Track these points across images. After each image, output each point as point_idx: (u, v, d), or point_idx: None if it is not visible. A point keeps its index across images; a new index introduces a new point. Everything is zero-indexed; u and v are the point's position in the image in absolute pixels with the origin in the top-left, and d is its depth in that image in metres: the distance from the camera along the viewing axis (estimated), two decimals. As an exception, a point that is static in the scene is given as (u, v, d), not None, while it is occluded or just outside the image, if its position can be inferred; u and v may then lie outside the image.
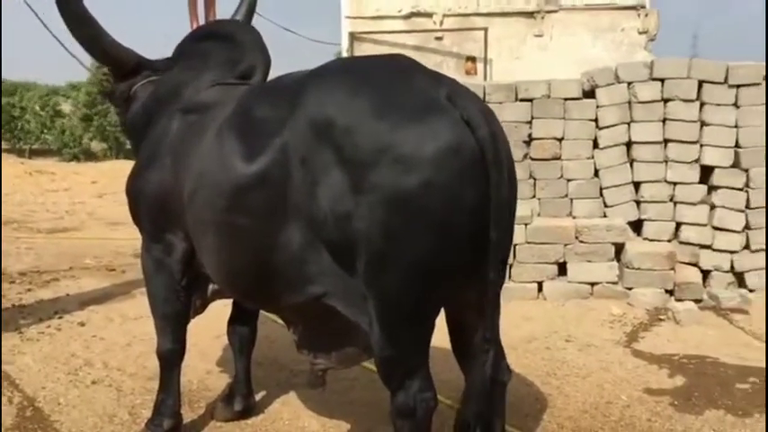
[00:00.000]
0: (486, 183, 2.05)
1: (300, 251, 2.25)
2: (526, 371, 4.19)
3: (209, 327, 4.43)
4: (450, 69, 10.44)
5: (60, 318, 5.08)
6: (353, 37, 11.37)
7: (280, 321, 4.69)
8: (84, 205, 11.79)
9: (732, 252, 5.68)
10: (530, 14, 10.90)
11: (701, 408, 3.73)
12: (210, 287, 3.03)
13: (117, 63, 3.21)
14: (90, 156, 22.60)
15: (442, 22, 11.03)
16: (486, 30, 10.82)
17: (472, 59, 10.87)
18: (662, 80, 5.68)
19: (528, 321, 5.13)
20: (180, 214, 2.70)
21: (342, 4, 11.51)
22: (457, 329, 2.46)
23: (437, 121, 2.04)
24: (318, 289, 2.31)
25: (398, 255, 2.05)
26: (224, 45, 3.05)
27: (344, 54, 11.52)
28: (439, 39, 11.09)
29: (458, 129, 2.04)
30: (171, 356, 3.10)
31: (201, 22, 7.81)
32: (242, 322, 3.46)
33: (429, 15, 11.07)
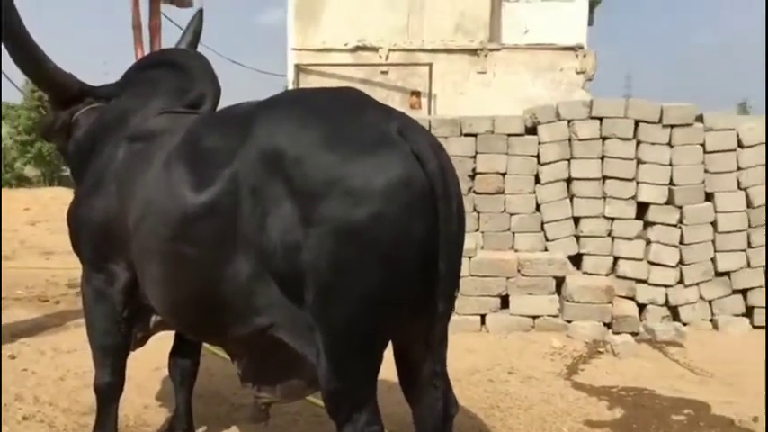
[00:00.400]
0: (435, 216, 2.07)
1: (248, 282, 2.23)
2: (470, 403, 4.20)
3: (147, 359, 4.28)
4: (396, 103, 10.56)
5: (-12, 350, 4.86)
6: (299, 69, 11.40)
7: (221, 354, 4.62)
8: (17, 233, 11.36)
9: (667, 286, 5.86)
10: (473, 52, 11.15)
11: (639, 439, 3.82)
12: (153, 319, 2.95)
13: (59, 89, 3.13)
14: (23, 181, 21.91)
15: (387, 57, 11.18)
16: (430, 65, 11.00)
17: (417, 94, 11.02)
18: (600, 119, 5.88)
19: (471, 353, 5.16)
20: (123, 243, 2.63)
21: (288, 35, 11.55)
22: (404, 362, 2.45)
23: (387, 154, 2.05)
24: (265, 320, 2.28)
25: (347, 287, 2.04)
26: (173, 73, 3.01)
27: (291, 86, 11.53)
28: (384, 73, 11.22)
29: (408, 162, 2.06)
30: (109, 390, 2.99)
31: (147, 50, 7.76)
32: (184, 354, 3.37)
33: (375, 50, 11.20)
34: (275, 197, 2.10)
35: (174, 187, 2.37)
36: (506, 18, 12.27)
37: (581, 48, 11.20)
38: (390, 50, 11.14)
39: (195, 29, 3.50)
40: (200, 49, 3.53)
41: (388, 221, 2.01)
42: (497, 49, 11.19)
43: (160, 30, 7.52)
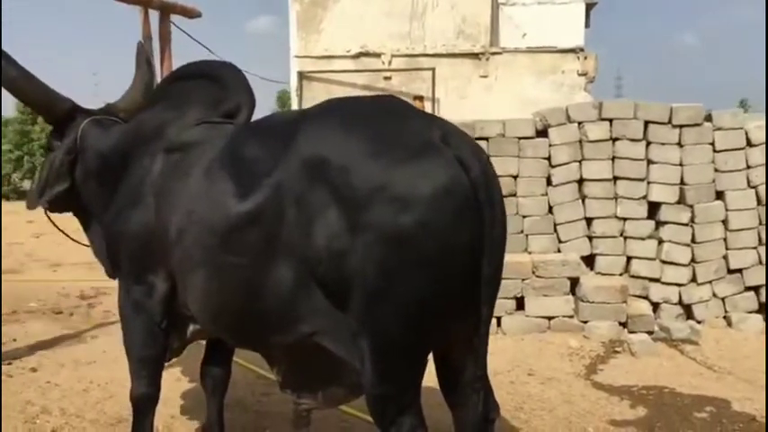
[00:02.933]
0: (480, 222, 2.10)
1: (292, 290, 2.25)
2: (494, 406, 4.22)
3: (170, 371, 4.33)
4: (399, 108, 10.57)
5: (10, 364, 4.86)
6: (302, 76, 11.45)
7: (242, 362, 4.64)
8: (22, 246, 11.35)
9: (680, 285, 5.89)
10: (475, 56, 11.21)
11: (664, 438, 3.84)
12: (191, 328, 2.96)
13: (48, 107, 3.18)
14: (22, 195, 21.92)
15: (390, 62, 11.24)
16: (433, 70, 11.06)
17: (420, 98, 11.06)
18: (610, 120, 5.92)
19: (490, 356, 5.04)
20: (163, 254, 2.65)
21: (291, 43, 11.60)
22: (446, 366, 2.47)
23: (432, 161, 2.09)
24: (308, 328, 2.31)
25: (394, 292, 2.07)
26: (208, 84, 3.01)
27: (293, 93, 11.59)
28: (387, 78, 11.27)
29: (452, 169, 2.09)
30: (146, 401, 3.00)
31: (156, 61, 7.78)
32: (216, 363, 3.39)
33: (377, 55, 11.26)
34: (320, 205, 2.13)
35: (218, 197, 2.39)
36: (504, 22, 12.33)
37: (581, 50, 11.27)
38: (393, 56, 11.20)
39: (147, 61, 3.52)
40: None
41: (435, 228, 2.04)
42: (499, 53, 11.26)
43: (170, 40, 7.54)
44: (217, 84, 2.99)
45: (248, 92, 3.01)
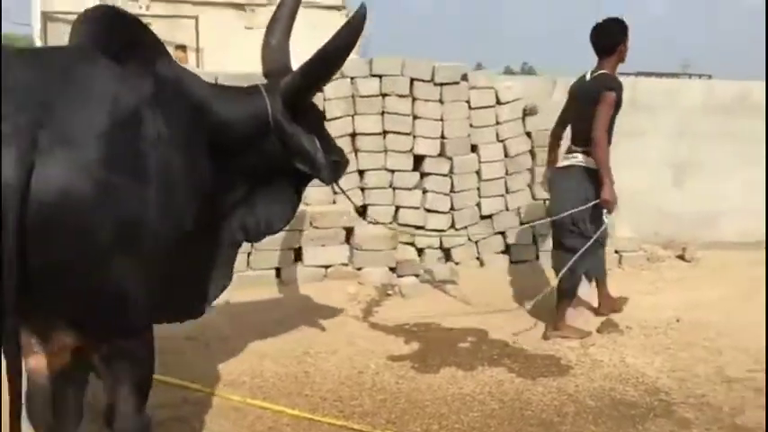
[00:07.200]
0: None
1: None
2: (281, 353, 4.36)
3: None
4: (161, 57, 10.06)
5: None
6: (47, 17, 10.37)
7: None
8: None
9: (440, 231, 6.44)
10: (240, 6, 11.01)
11: (436, 367, 4.27)
12: None
13: None
14: None
15: (148, 7, 10.61)
16: (196, 18, 10.66)
17: (183, 48, 10.62)
18: (380, 76, 6.21)
19: (273, 305, 5.30)
20: None
21: (32, -22, 10.44)
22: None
23: None
24: None
25: None
26: None
27: (37, 37, 10.48)
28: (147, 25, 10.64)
29: None
30: None
31: None
32: None
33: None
34: None
35: None
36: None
37: (344, 8, 11.58)
38: (152, 0, 10.58)
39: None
40: None
41: None
42: (264, 5, 11.14)
43: None
44: None
45: None
